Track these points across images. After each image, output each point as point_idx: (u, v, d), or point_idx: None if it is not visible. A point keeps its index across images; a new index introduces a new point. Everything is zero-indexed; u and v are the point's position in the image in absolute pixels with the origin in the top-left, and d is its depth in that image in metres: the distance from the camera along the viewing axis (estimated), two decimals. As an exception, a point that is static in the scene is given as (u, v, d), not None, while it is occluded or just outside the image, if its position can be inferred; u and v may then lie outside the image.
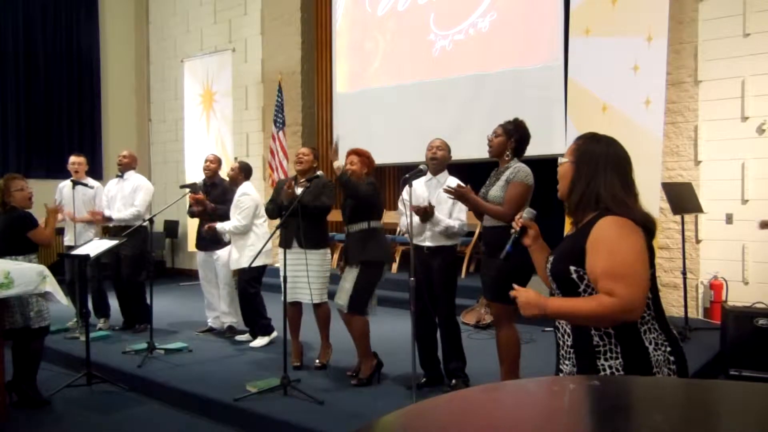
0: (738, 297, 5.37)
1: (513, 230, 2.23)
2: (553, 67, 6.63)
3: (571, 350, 1.98)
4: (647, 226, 1.93)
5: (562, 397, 1.44)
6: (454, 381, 4.02)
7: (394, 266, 7.55)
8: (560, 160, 2.09)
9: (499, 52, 7.12)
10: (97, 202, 6.08)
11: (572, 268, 1.93)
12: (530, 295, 1.94)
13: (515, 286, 1.99)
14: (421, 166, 3.80)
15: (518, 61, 6.97)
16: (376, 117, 8.10)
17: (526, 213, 2.24)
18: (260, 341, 5.31)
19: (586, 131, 2.12)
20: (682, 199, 5.22)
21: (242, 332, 5.57)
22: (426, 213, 3.87)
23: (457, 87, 7.41)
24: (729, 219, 5.57)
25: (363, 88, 8.36)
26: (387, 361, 4.35)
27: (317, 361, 4.66)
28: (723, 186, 5.59)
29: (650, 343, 1.88)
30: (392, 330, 5.49)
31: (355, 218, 4.24)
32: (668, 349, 1.90)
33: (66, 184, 6.02)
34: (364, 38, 8.34)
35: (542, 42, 6.78)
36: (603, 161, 1.98)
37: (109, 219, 5.88)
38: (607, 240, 1.87)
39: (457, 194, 3.61)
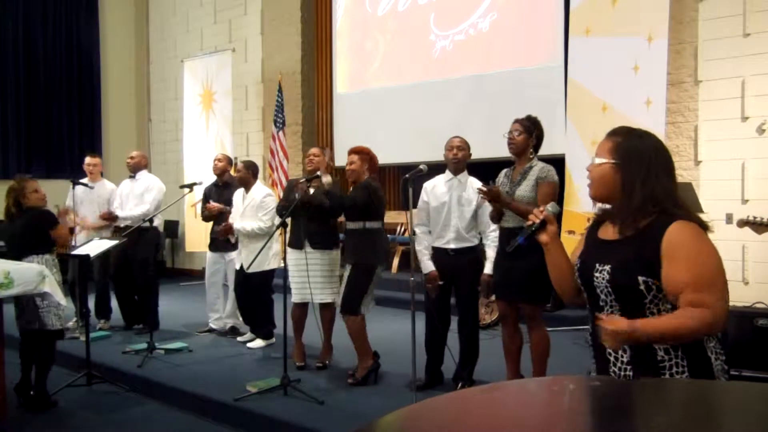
0: (738, 297, 5.35)
1: (530, 222, 2.05)
2: (553, 67, 6.62)
3: (628, 366, 1.83)
4: (707, 228, 1.82)
5: (562, 398, 1.44)
6: (461, 384, 4.01)
7: (395, 266, 7.54)
8: (594, 160, 1.92)
9: (499, 53, 7.12)
10: (111, 203, 6.05)
11: (641, 278, 1.77)
12: (621, 324, 1.70)
13: (603, 316, 1.76)
14: (421, 167, 3.79)
15: (518, 61, 6.96)
16: (376, 117, 8.09)
17: (551, 207, 2.04)
18: (259, 343, 5.29)
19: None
20: (682, 198, 5.20)
21: (244, 333, 5.56)
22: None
23: (457, 87, 7.40)
24: (729, 219, 5.56)
25: (363, 88, 8.35)
26: (387, 360, 4.35)
27: (318, 362, 4.65)
28: (723, 186, 5.58)
29: (712, 353, 1.79)
30: (392, 330, 5.49)
31: (352, 216, 4.22)
32: (723, 358, 1.81)
33: (78, 186, 5.91)
34: (364, 38, 8.34)
35: (542, 42, 6.77)
36: (654, 160, 1.83)
37: (116, 218, 5.83)
38: (687, 247, 1.74)
39: (490, 195, 3.48)
